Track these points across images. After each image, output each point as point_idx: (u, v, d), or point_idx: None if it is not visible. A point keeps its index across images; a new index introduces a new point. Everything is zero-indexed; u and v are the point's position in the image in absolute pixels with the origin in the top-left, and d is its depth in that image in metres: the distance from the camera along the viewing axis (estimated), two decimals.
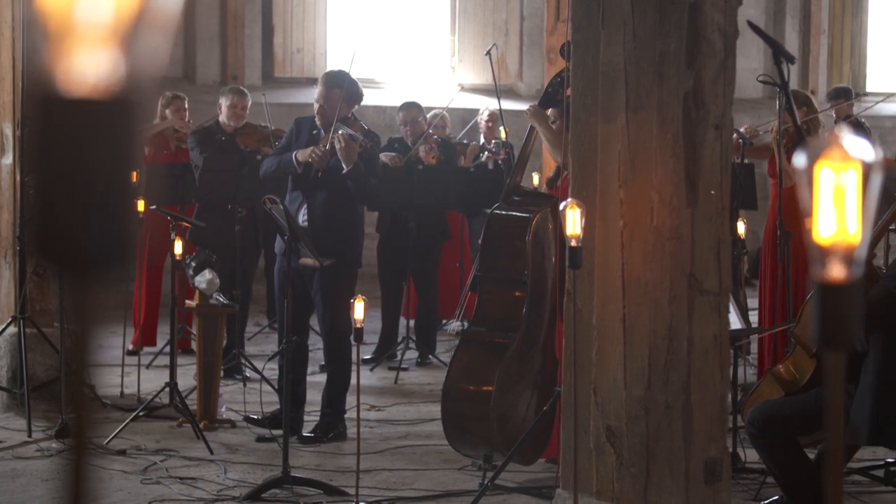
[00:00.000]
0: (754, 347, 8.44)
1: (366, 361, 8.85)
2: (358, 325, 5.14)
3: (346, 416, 6.93)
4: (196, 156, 8.47)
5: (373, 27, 13.68)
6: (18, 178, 7.33)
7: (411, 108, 9.58)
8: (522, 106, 7.55)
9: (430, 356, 9.12)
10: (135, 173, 1.24)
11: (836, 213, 1.46)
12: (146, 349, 8.71)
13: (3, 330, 7.31)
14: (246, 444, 6.72)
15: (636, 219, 4.25)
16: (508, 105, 11.23)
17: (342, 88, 6.91)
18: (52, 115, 1.04)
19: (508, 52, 13.90)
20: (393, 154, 9.04)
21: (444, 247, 9.36)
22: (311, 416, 6.97)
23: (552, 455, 5.96)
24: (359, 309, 5.12)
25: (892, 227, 7.00)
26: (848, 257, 1.47)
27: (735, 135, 7.36)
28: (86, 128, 1.04)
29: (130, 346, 8.66)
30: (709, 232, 4.23)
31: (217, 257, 7.26)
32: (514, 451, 5.73)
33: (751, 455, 5.84)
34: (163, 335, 8.92)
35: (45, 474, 6.04)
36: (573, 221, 4.31)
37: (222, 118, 8.85)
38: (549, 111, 6.39)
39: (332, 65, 11.90)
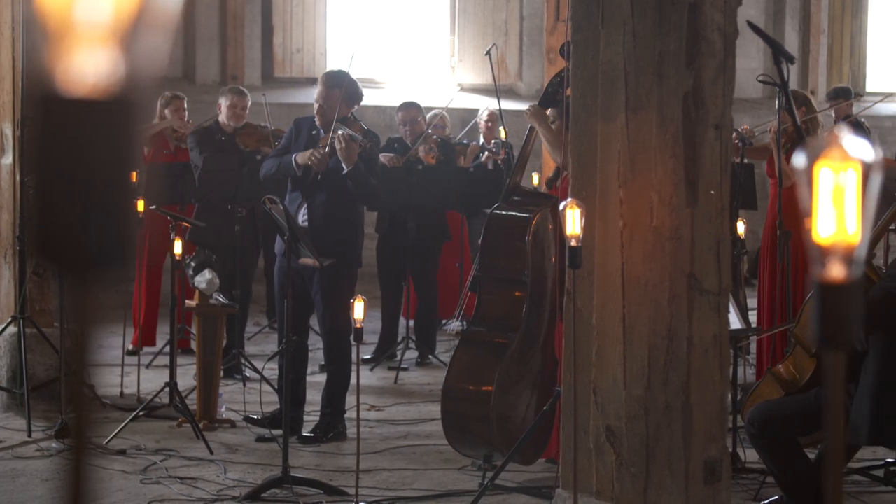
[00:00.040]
0: (754, 347, 8.44)
1: (365, 361, 8.85)
2: (358, 325, 5.14)
3: (345, 416, 6.93)
4: (196, 156, 8.47)
5: (372, 27, 13.68)
6: (18, 178, 7.33)
7: (410, 108, 9.58)
8: (522, 106, 7.55)
9: (430, 356, 9.12)
10: (134, 173, 1.24)
11: (836, 213, 1.46)
12: (146, 349, 8.70)
13: (3, 330, 7.31)
14: (246, 444, 6.72)
15: (636, 219, 4.25)
16: (508, 105, 11.24)
17: (342, 88, 6.90)
18: (51, 114, 1.04)
19: (508, 52, 13.90)
20: (391, 155, 9.04)
21: (443, 247, 9.36)
22: (311, 416, 6.97)
23: (552, 455, 5.97)
24: (359, 309, 5.12)
25: (891, 227, 7.00)
26: (848, 257, 1.47)
27: (735, 134, 7.36)
28: (85, 128, 1.04)
29: (130, 346, 8.66)
30: (708, 232, 4.23)
31: (217, 257, 7.26)
32: (513, 451, 5.73)
33: (751, 455, 5.84)
34: (162, 335, 8.92)
35: (44, 474, 6.04)
36: (573, 221, 4.32)
37: (222, 118, 8.85)
38: (549, 111, 6.39)
39: (332, 65, 11.90)
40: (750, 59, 13.16)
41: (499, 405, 6.00)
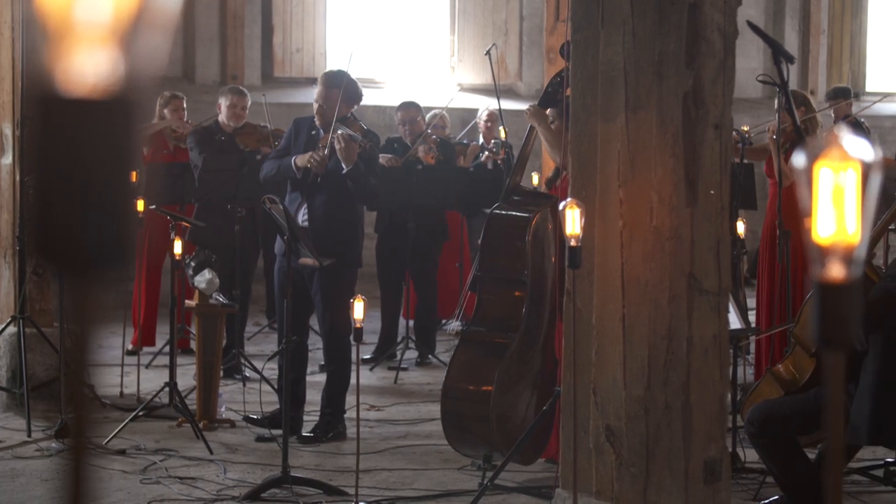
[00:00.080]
0: (753, 347, 8.44)
1: (365, 361, 8.85)
2: (357, 325, 5.14)
3: (345, 415, 6.93)
4: (195, 156, 8.46)
5: (372, 27, 13.68)
6: (18, 177, 7.33)
7: (409, 108, 9.58)
8: (522, 106, 7.55)
9: (430, 356, 9.12)
10: (134, 173, 1.24)
11: (836, 212, 1.47)
12: (146, 349, 8.70)
13: (3, 330, 7.31)
14: (245, 443, 6.72)
15: (636, 218, 4.25)
16: (508, 105, 11.23)
17: (341, 88, 6.90)
18: (51, 114, 1.04)
19: (508, 51, 13.90)
20: (389, 156, 9.04)
21: (443, 247, 9.36)
22: (311, 416, 6.97)
23: (552, 455, 5.96)
24: (358, 309, 5.12)
25: (891, 226, 7.01)
26: (847, 257, 1.48)
27: (735, 134, 7.36)
28: (85, 128, 1.04)
29: (130, 346, 8.66)
30: (708, 232, 4.23)
31: (216, 257, 7.26)
32: (513, 451, 5.73)
33: (750, 455, 5.84)
34: (162, 335, 8.92)
35: (44, 474, 6.04)
36: (573, 221, 4.32)
37: (222, 118, 8.84)
38: (548, 111, 6.39)
39: (332, 65, 11.90)
40: (750, 59, 13.16)
41: (498, 405, 6.00)
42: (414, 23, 13.92)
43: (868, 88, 14.92)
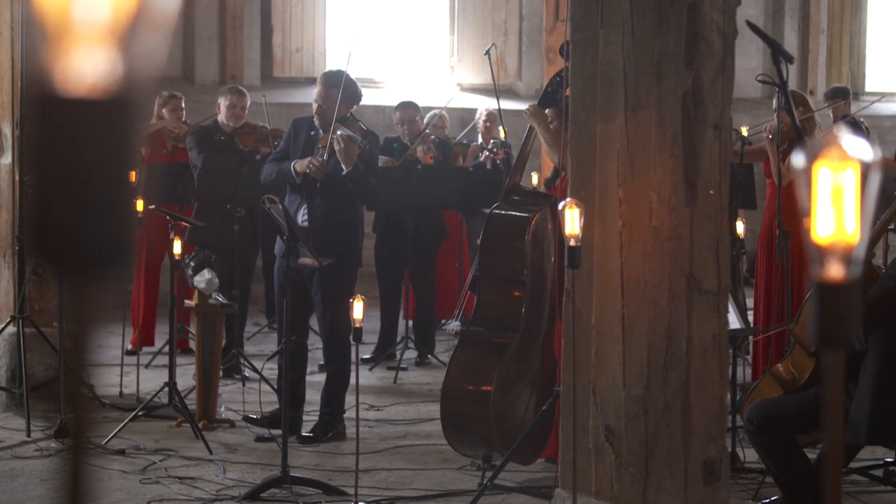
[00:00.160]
0: (751, 346, 8.44)
1: (365, 361, 8.85)
2: (357, 325, 5.14)
3: (345, 415, 6.93)
4: (195, 156, 8.46)
5: (372, 27, 13.68)
6: (17, 177, 7.33)
7: (408, 108, 9.59)
8: (522, 106, 7.55)
9: (429, 356, 9.12)
10: (133, 173, 1.24)
11: (835, 212, 1.47)
12: (145, 349, 8.71)
13: (3, 330, 7.31)
14: (245, 443, 6.72)
15: (635, 218, 4.25)
16: (507, 105, 11.23)
17: (340, 88, 6.90)
18: (50, 114, 1.04)
19: (507, 51, 13.90)
20: (386, 158, 9.03)
21: (443, 247, 9.36)
22: (311, 416, 6.97)
23: (551, 455, 5.96)
24: (358, 309, 5.12)
25: (891, 226, 7.01)
26: (846, 257, 1.48)
27: (735, 135, 7.36)
28: (84, 127, 1.04)
29: (129, 346, 8.66)
30: (708, 232, 4.23)
31: (216, 257, 7.26)
32: (513, 451, 5.73)
33: (750, 455, 5.84)
34: (161, 335, 8.92)
35: (43, 474, 6.04)
36: (572, 221, 4.32)
37: (221, 118, 8.84)
38: (547, 111, 6.38)
39: (331, 65, 11.90)
40: (749, 59, 13.16)
41: (498, 405, 6.00)
42: (413, 22, 13.92)
43: (867, 88, 14.93)
